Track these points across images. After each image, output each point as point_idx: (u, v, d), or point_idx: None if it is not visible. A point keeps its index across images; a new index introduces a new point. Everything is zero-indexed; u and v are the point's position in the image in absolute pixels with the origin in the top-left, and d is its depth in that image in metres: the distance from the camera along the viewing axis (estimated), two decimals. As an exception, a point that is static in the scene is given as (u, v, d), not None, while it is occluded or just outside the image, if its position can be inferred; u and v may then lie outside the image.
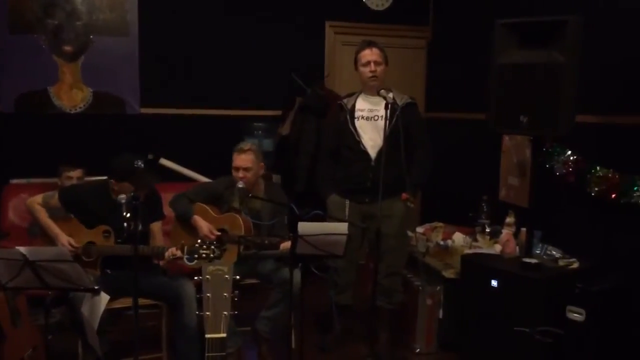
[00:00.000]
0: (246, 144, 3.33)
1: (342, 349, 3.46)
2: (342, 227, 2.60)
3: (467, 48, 4.55)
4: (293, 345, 3.17)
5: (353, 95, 3.44)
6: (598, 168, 3.16)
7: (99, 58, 4.45)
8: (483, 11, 4.32)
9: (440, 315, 3.47)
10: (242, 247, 2.96)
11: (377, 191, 3.01)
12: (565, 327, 2.85)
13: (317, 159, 3.94)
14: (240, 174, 3.21)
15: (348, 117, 3.35)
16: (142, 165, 2.89)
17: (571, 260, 3.14)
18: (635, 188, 2.90)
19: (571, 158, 3.35)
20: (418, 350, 3.46)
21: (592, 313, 2.80)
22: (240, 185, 3.20)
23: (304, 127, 4.47)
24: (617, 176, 3.04)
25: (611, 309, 2.90)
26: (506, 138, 4.04)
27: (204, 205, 3.27)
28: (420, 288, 3.45)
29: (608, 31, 3.19)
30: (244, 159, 3.23)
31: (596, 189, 3.15)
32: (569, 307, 2.86)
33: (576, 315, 2.83)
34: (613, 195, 3.04)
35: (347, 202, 3.35)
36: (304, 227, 2.53)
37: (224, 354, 1.60)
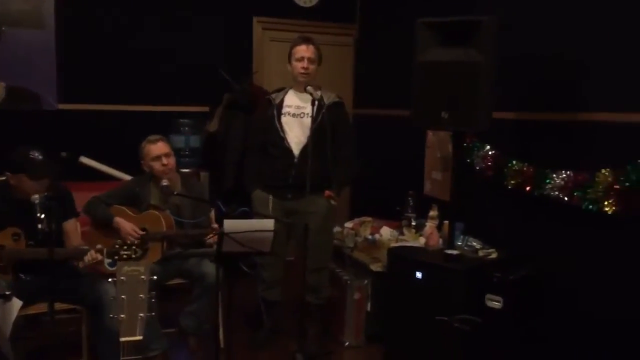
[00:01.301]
0: (154, 135, 3.26)
1: (272, 346, 3.46)
2: (269, 223, 2.60)
3: (392, 46, 4.64)
4: (221, 344, 3.14)
5: (282, 90, 3.43)
6: (514, 162, 3.30)
7: (12, 51, 4.21)
8: (407, 10, 4.42)
9: (369, 308, 3.53)
10: (165, 246, 2.89)
11: (299, 188, 3.02)
12: (484, 315, 2.98)
13: (245, 155, 3.90)
14: (164, 160, 3.15)
15: (275, 112, 3.34)
16: (40, 157, 2.74)
17: (490, 250, 3.28)
18: (548, 180, 3.06)
19: (490, 153, 3.49)
20: (347, 343, 3.51)
21: (509, 300, 2.93)
22: (164, 183, 3.12)
23: (232, 123, 4.42)
24: (531, 169, 3.19)
25: (526, 296, 3.05)
26: (430, 134, 4.16)
27: (121, 207, 3.16)
28: (348, 282, 3.50)
29: (522, 31, 3.34)
30: (162, 146, 3.19)
31: (512, 182, 3.30)
32: (487, 296, 2.98)
33: (494, 303, 2.96)
34: (528, 188, 3.19)
35: (271, 197, 3.34)
36: (230, 224, 2.50)
37: (139, 357, 1.55)
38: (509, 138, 3.44)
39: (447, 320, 2.92)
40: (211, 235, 2.99)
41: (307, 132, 3.17)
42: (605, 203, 2.75)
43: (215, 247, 2.60)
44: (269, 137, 3.37)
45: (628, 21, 2.75)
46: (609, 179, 2.73)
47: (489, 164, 3.49)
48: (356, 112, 5.25)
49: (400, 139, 4.51)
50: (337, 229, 3.98)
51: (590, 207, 2.82)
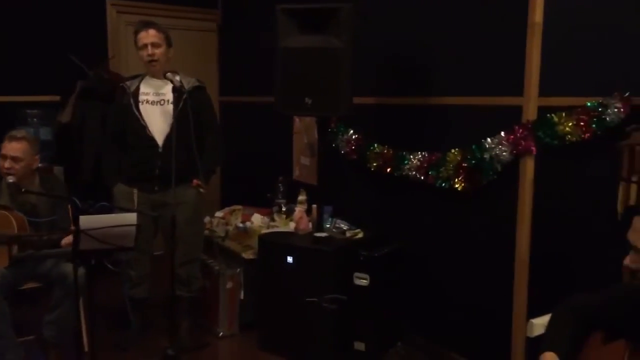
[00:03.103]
0: (20, 132, 3.00)
1: (142, 344, 3.32)
2: (131, 217, 2.47)
3: (255, 32, 4.61)
4: (86, 348, 2.95)
5: (137, 77, 3.27)
6: (375, 145, 3.46)
7: None
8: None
9: (242, 297, 3.52)
10: (15, 248, 2.64)
11: (166, 179, 2.91)
12: (353, 292, 3.10)
13: (103, 147, 3.67)
14: (7, 164, 2.87)
15: (132, 100, 3.17)
16: None
17: (357, 231, 3.41)
18: (405, 162, 3.24)
19: (353, 137, 3.62)
20: (221, 334, 3.47)
21: (375, 276, 3.08)
22: (10, 180, 2.85)
23: (88, 113, 4.13)
24: (390, 152, 3.36)
25: (391, 271, 3.22)
26: (297, 120, 4.22)
27: None
28: (220, 272, 3.46)
29: (378, 19, 3.49)
30: (15, 147, 2.90)
31: (374, 164, 3.46)
32: (355, 274, 3.11)
33: (362, 280, 3.10)
34: (388, 169, 3.36)
35: (135, 191, 3.19)
36: (86, 220, 2.35)
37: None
38: (370, 122, 3.59)
39: (316, 302, 3.00)
40: (65, 234, 2.78)
41: (170, 119, 3.06)
42: (456, 180, 2.98)
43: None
44: (128, 127, 3.20)
45: (473, 13, 2.97)
46: (458, 158, 2.96)
47: (353, 147, 3.62)
48: (223, 99, 5.17)
49: (268, 125, 4.52)
50: (207, 219, 3.91)
51: (443, 184, 3.04)
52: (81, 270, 2.63)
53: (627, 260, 1.35)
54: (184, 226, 3.16)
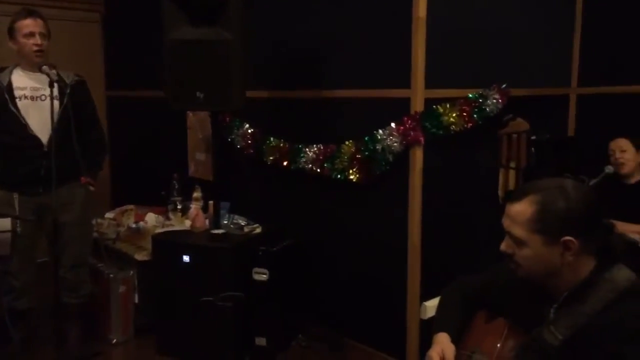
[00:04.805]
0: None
1: (26, 358, 3.08)
2: (4, 223, 2.28)
3: (142, 23, 4.41)
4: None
5: (5, 69, 3.00)
6: (271, 139, 3.44)
7: None
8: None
9: (136, 300, 3.37)
10: None
11: (51, 179, 2.71)
12: (253, 288, 3.07)
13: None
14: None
15: (7, 96, 2.92)
16: None
17: (255, 226, 3.38)
18: (301, 155, 3.25)
19: (249, 131, 3.58)
20: (115, 340, 3.30)
21: (274, 271, 3.07)
22: None
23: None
24: (286, 145, 3.36)
25: (290, 265, 3.23)
26: (190, 114, 4.10)
27: None
28: (111, 276, 3.28)
29: (270, 13, 3.46)
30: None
31: (271, 158, 3.44)
32: (254, 270, 3.08)
33: (261, 275, 3.08)
34: (285, 163, 3.36)
35: (16, 195, 2.94)
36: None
37: None
38: (266, 116, 3.57)
39: (211, 301, 2.94)
40: None
41: (50, 116, 2.85)
42: (351, 172, 3.03)
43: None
44: (3, 126, 2.93)
45: (362, 6, 3.03)
46: (352, 149, 3.02)
47: (249, 141, 3.57)
48: (109, 94, 4.91)
49: (160, 120, 4.34)
50: (97, 220, 3.70)
51: (339, 176, 3.09)
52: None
53: (502, 246, 1.44)
54: (73, 227, 2.98)
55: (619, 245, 1.43)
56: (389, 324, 3.02)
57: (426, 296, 2.84)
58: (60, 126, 2.81)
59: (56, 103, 2.77)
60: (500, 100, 2.92)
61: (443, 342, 1.56)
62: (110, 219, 3.86)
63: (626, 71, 3.38)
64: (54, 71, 2.78)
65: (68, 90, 2.95)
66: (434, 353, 1.54)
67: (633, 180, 3.12)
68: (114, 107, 4.89)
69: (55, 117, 2.77)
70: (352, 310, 3.22)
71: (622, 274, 1.35)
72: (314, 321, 3.38)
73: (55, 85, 2.74)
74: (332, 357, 3.13)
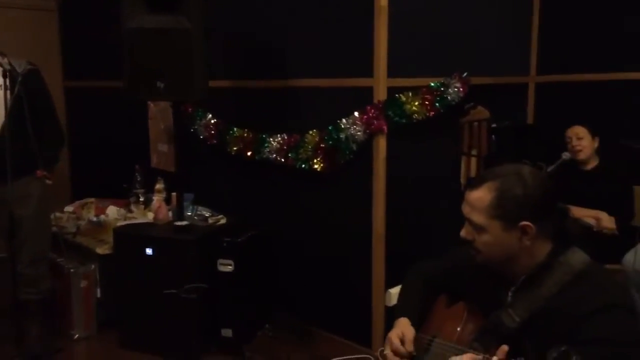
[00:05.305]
0: None
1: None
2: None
3: (100, 11, 4.29)
4: None
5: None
6: (235, 129, 3.41)
7: None
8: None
9: (99, 295, 3.31)
10: None
11: (5, 172, 2.63)
12: (218, 279, 3.05)
13: None
14: None
15: (-44, 86, 2.80)
16: None
17: (219, 217, 3.35)
18: (266, 145, 3.23)
19: (212, 121, 3.53)
20: (77, 336, 3.24)
21: (240, 261, 3.05)
22: None
23: None
24: (250, 135, 3.33)
25: (255, 255, 3.21)
26: (151, 105, 4.02)
27: None
28: (72, 271, 3.21)
29: (235, 1, 3.41)
30: None
31: (235, 148, 3.41)
32: (219, 261, 3.06)
33: (226, 266, 3.05)
34: (249, 153, 3.34)
35: None
36: None
37: None
38: (229, 106, 3.53)
39: (175, 293, 2.91)
40: None
41: (2, 107, 2.75)
42: (315, 161, 3.03)
43: None
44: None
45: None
46: (316, 139, 3.01)
47: (212, 132, 3.53)
48: (67, 84, 4.77)
49: (120, 111, 4.24)
50: (56, 214, 3.61)
51: (303, 166, 3.08)
52: None
53: (462, 232, 1.46)
54: (30, 221, 2.89)
55: (574, 229, 1.46)
56: (355, 311, 3.04)
57: (391, 283, 2.87)
58: (13, 116, 2.72)
59: (10, 92, 2.68)
60: (461, 89, 2.96)
61: (403, 326, 1.59)
62: (69, 212, 3.78)
63: (583, 60, 3.46)
64: (5, 60, 2.69)
65: (20, 79, 2.85)
66: (393, 335, 1.56)
67: (589, 167, 3.20)
68: (73, 98, 4.76)
69: (9, 107, 2.68)
70: (319, 299, 3.23)
71: (576, 257, 1.39)
72: (281, 311, 3.39)
73: (7, 74, 2.65)
74: (298, 346, 3.14)
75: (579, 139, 3.16)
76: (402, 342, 1.55)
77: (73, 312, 3.22)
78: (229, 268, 3.05)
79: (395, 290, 2.49)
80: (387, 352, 1.56)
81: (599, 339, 1.26)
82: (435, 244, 2.93)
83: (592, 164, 3.20)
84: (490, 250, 1.42)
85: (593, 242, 1.50)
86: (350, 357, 2.90)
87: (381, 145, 2.83)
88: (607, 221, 2.97)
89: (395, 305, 1.75)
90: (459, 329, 1.52)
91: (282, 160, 3.18)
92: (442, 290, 1.68)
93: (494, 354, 1.27)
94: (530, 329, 1.36)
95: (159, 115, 3.97)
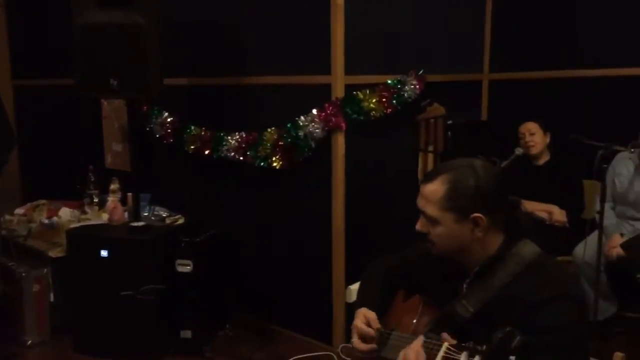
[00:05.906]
0: None
1: None
2: None
3: (49, 6, 4.16)
4: None
5: None
6: (192, 127, 3.36)
7: None
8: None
9: (52, 299, 3.21)
10: None
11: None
12: (177, 280, 3.00)
13: None
14: None
15: None
16: None
17: (177, 217, 3.29)
18: (224, 143, 3.20)
19: (168, 120, 3.47)
20: (30, 342, 3.13)
21: (198, 262, 3.01)
22: None
23: None
24: (208, 133, 3.29)
25: (214, 255, 3.18)
26: (105, 103, 3.93)
27: None
28: (23, 275, 3.11)
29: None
30: None
31: (192, 146, 3.36)
32: (178, 261, 3.01)
33: (185, 267, 3.00)
34: (207, 152, 3.29)
35: None
36: None
37: None
38: (186, 104, 3.48)
39: (131, 294, 2.85)
40: None
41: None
42: (274, 159, 3.02)
43: None
44: None
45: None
46: (274, 136, 3.00)
47: (169, 130, 3.48)
48: (16, 83, 4.61)
49: (73, 110, 4.12)
50: (5, 217, 3.49)
51: (262, 163, 3.06)
52: None
53: (418, 225, 1.48)
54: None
55: (526, 221, 1.50)
56: (316, 309, 3.04)
57: (351, 280, 2.88)
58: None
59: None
60: (417, 86, 2.99)
61: (365, 311, 1.60)
62: (20, 215, 3.65)
63: (535, 58, 3.55)
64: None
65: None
66: (357, 322, 1.58)
67: (541, 162, 3.29)
68: (22, 96, 4.60)
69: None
70: (279, 298, 3.22)
71: (527, 249, 1.42)
72: (242, 310, 3.36)
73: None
74: (259, 346, 3.12)
75: (532, 134, 3.24)
76: (368, 324, 1.56)
77: (25, 317, 3.12)
78: (188, 268, 3.00)
79: (355, 287, 2.50)
80: (354, 339, 1.57)
81: (549, 328, 1.29)
82: (395, 239, 2.94)
83: (544, 159, 3.30)
84: (444, 242, 1.44)
85: (545, 235, 1.54)
86: (311, 354, 2.90)
87: (340, 142, 2.84)
88: (559, 214, 3.07)
89: (355, 301, 1.76)
90: (414, 321, 1.54)
91: (241, 158, 3.15)
92: (401, 284, 1.69)
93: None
94: (483, 319, 1.38)
95: (113, 114, 3.88)
